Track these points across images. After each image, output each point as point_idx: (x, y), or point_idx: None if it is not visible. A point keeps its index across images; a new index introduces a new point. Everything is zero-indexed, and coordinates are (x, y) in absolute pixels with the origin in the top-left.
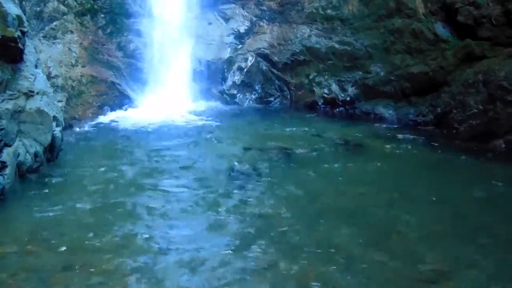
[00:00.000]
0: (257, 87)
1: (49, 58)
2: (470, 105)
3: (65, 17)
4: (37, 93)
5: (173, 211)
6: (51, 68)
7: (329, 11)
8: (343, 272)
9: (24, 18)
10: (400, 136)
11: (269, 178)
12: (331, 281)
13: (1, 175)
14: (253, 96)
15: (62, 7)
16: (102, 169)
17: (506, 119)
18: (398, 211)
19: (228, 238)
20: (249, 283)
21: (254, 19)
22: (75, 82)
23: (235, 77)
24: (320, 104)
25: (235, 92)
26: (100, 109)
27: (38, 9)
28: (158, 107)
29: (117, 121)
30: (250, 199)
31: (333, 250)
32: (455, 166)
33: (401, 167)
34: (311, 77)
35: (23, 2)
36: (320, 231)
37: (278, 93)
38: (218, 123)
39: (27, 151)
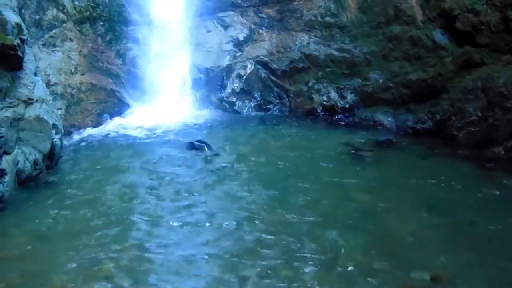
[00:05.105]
0: (256, 95)
1: (49, 66)
2: (469, 112)
3: (64, 25)
4: (36, 101)
5: (166, 220)
6: (51, 76)
7: (327, 18)
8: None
9: (24, 26)
10: (398, 143)
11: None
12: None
13: (0, 182)
14: (252, 104)
15: (61, 15)
16: (101, 177)
17: (505, 126)
18: (397, 218)
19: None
20: None
21: (253, 26)
22: (74, 90)
23: (234, 85)
24: (319, 111)
25: (234, 99)
26: (100, 117)
27: (38, 17)
28: (157, 115)
29: (116, 129)
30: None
31: (332, 255)
32: (454, 174)
33: (399, 174)
34: (310, 84)
35: (23, 10)
36: (319, 238)
37: (277, 101)
38: (217, 132)
39: (27, 159)
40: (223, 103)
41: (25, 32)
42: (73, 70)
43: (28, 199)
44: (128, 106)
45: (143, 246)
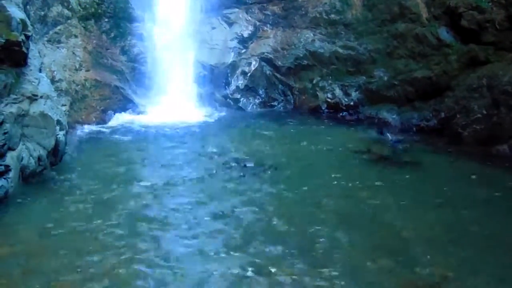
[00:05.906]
0: (260, 92)
1: (53, 62)
2: (474, 110)
3: (69, 21)
4: (41, 97)
5: (170, 220)
6: (55, 72)
7: (332, 15)
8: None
9: (28, 22)
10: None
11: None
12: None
13: (4, 178)
14: (257, 101)
15: (66, 11)
16: (105, 174)
17: (510, 124)
18: (402, 216)
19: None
20: None
21: (258, 23)
22: (78, 86)
23: (239, 82)
24: (323, 108)
25: (239, 96)
26: (104, 113)
27: (42, 13)
28: (162, 112)
29: (120, 126)
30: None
31: (337, 252)
32: (459, 171)
33: (404, 172)
34: (314, 81)
35: (27, 6)
36: (324, 235)
37: (282, 98)
38: (221, 129)
39: (31, 155)
40: (228, 100)
41: (29, 28)
42: (77, 66)
43: (32, 195)
44: (132, 103)
45: (147, 246)
